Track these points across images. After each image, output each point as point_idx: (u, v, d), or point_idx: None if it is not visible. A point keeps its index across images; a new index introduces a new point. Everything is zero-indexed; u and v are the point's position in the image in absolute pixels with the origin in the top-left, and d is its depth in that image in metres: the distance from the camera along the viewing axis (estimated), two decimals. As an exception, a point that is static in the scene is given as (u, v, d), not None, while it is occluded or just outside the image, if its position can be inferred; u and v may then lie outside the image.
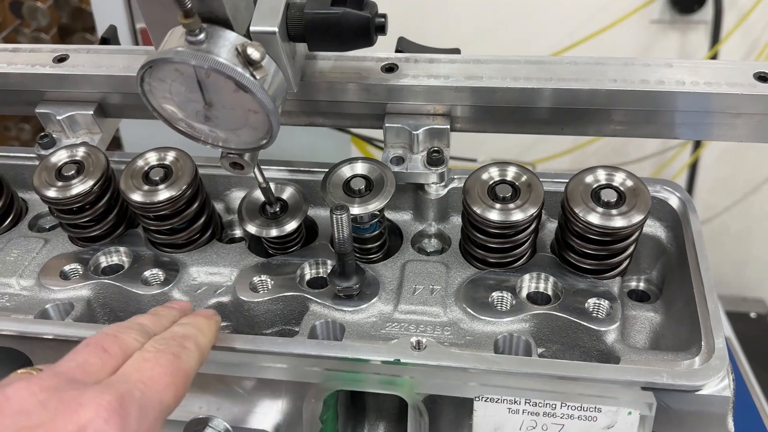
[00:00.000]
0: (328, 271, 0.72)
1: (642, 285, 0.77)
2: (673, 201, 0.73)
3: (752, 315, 1.77)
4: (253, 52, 0.55)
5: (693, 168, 1.82)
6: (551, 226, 0.77)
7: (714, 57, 1.69)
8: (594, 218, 0.66)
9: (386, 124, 0.76)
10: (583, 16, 1.64)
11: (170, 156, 0.74)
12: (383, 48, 0.78)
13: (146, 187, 0.72)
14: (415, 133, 0.75)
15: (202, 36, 0.55)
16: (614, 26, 1.64)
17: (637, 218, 0.66)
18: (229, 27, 0.57)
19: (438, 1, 1.62)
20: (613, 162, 1.94)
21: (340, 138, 1.42)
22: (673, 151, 1.83)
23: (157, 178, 0.72)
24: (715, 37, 1.68)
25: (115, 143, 1.51)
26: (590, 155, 1.83)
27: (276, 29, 0.62)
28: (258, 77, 0.56)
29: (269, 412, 0.65)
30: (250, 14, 0.60)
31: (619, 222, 0.66)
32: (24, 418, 0.41)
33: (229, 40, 0.56)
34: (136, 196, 0.72)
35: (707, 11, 1.67)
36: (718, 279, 2.14)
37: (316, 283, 0.74)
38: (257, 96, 0.56)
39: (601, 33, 1.63)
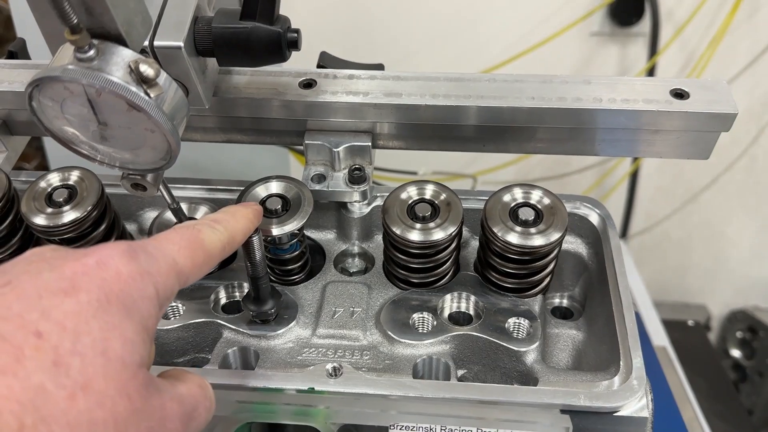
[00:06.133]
0: (245, 294, 0.69)
1: (565, 302, 0.76)
2: (593, 218, 0.73)
3: (690, 323, 1.80)
4: (147, 69, 0.52)
5: (634, 177, 1.85)
6: (475, 243, 0.75)
7: (652, 69, 1.72)
8: (513, 237, 0.65)
9: (306, 141, 0.74)
10: (524, 29, 1.65)
11: (74, 176, 0.70)
12: (309, 62, 0.76)
13: (49, 210, 0.68)
14: (336, 150, 0.73)
15: (92, 53, 0.52)
16: (555, 39, 1.65)
17: (555, 236, 0.65)
18: (123, 43, 0.54)
19: (378, 16, 1.61)
20: (556, 173, 1.97)
21: (279, 152, 1.39)
22: (614, 161, 1.86)
23: (61, 200, 0.69)
24: (653, 50, 1.72)
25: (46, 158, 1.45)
26: (534, 165, 1.84)
27: (181, 44, 0.59)
28: (153, 95, 0.53)
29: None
30: (147, 30, 0.57)
31: (537, 240, 0.65)
32: (37, 256, 0.42)
33: (121, 57, 0.53)
34: (39, 220, 0.68)
35: (645, 24, 1.70)
36: (660, 286, 2.18)
37: (232, 308, 0.71)
38: (152, 115, 0.53)
39: (541, 45, 1.64)
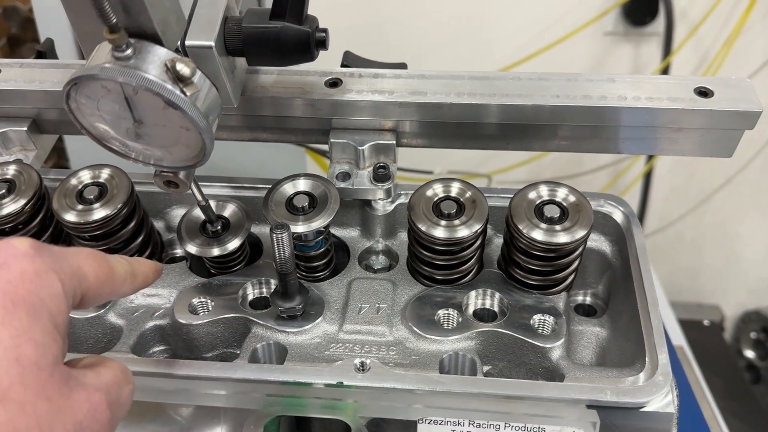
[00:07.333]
0: (272, 290, 0.70)
1: (588, 299, 0.77)
2: (617, 215, 0.73)
3: (705, 323, 1.80)
4: (183, 68, 0.53)
5: (647, 178, 1.85)
6: (498, 241, 0.76)
7: (666, 69, 1.72)
8: (538, 234, 0.65)
9: (331, 140, 0.75)
10: (537, 29, 1.66)
11: (105, 173, 0.71)
12: (331, 62, 0.77)
13: (80, 207, 0.70)
14: (360, 148, 0.74)
15: (129, 51, 0.53)
16: (569, 38, 1.66)
17: (580, 233, 0.65)
18: (159, 42, 0.55)
19: (392, 15, 1.62)
20: (568, 173, 1.97)
21: (295, 151, 1.40)
22: (628, 161, 1.86)
23: (92, 197, 0.70)
24: (667, 49, 1.72)
25: (62, 157, 1.47)
26: (546, 166, 1.84)
27: (212, 43, 0.60)
28: (188, 94, 0.54)
29: (208, 439, 0.63)
30: (181, 29, 0.58)
31: (562, 238, 0.65)
32: None
33: (158, 56, 0.54)
34: (70, 216, 0.69)
35: (659, 23, 1.70)
36: (674, 287, 2.18)
37: (259, 304, 0.72)
38: (188, 113, 0.54)
39: (555, 45, 1.65)
